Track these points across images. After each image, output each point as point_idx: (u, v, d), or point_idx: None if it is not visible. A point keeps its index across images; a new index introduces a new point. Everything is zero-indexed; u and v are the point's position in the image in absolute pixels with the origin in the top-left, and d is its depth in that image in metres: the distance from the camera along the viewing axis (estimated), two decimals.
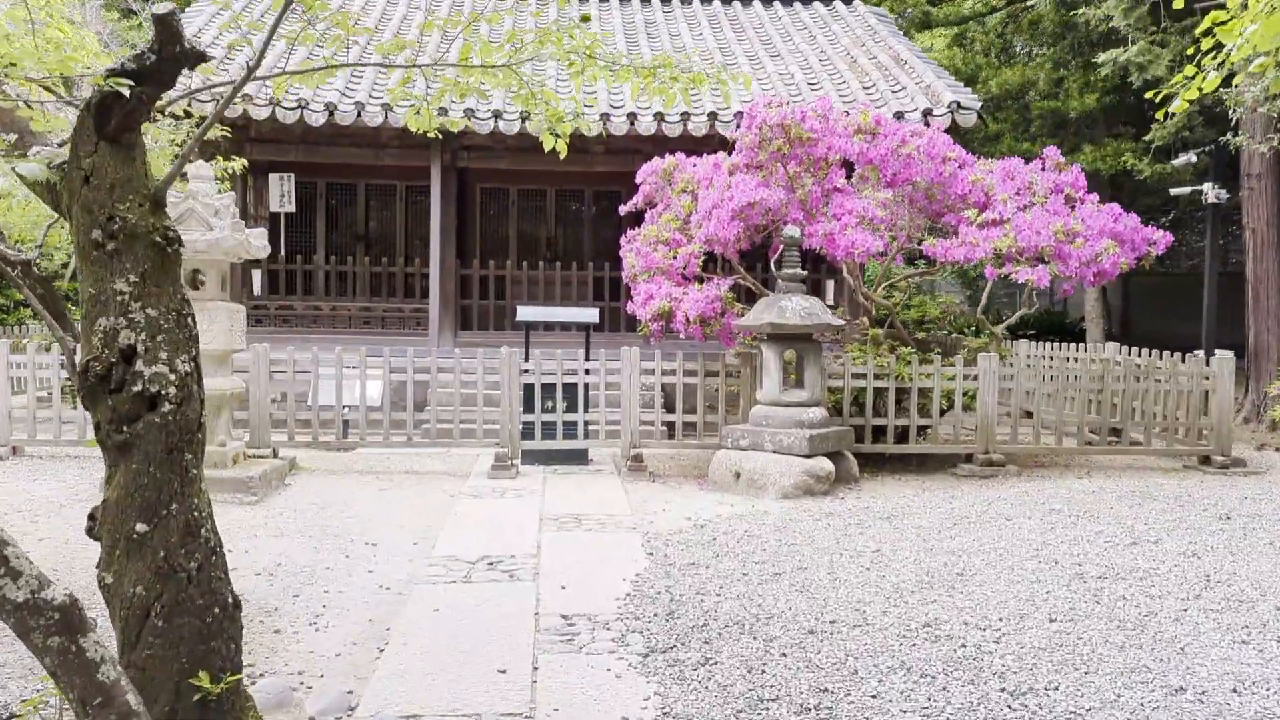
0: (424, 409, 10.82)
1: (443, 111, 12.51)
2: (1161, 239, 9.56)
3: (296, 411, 10.07)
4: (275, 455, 9.37)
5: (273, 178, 14.12)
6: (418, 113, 4.55)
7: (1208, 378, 10.13)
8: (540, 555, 6.40)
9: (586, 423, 9.92)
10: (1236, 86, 13.76)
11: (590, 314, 12.48)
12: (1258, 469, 10.06)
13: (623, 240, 10.96)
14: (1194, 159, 13.24)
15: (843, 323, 9.41)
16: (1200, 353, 13.12)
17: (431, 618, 5.05)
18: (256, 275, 14.46)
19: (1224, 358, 10.22)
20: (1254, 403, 14.06)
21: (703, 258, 9.97)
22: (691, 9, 17.97)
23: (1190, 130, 14.66)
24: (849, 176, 10.15)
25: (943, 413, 10.15)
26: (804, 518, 7.56)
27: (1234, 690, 4.12)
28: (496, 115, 12.71)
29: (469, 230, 15.36)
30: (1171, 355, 11.52)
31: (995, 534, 6.95)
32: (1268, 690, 4.12)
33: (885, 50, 15.48)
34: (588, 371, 9.97)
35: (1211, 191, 12.70)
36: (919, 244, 10.35)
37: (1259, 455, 11.20)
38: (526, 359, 11.96)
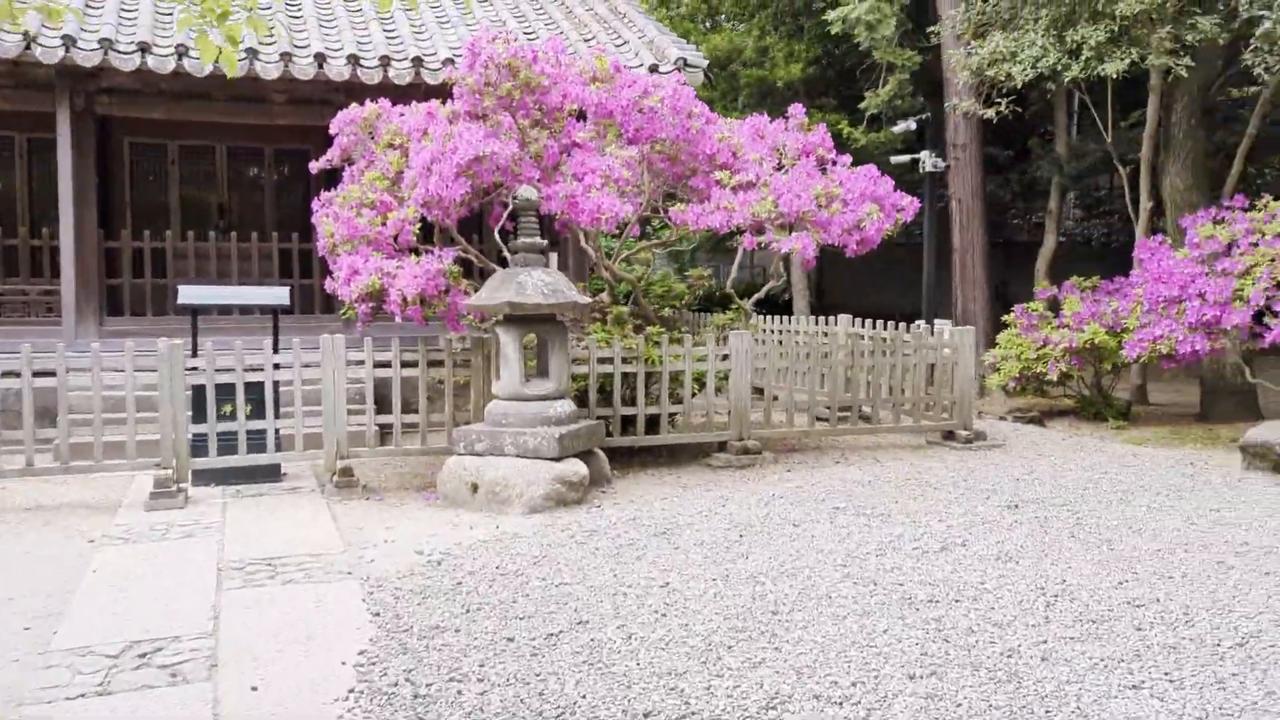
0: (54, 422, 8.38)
1: (69, 42, 9.93)
2: (910, 205, 9.01)
3: None
4: None
5: None
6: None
7: (952, 350, 9.79)
8: (219, 632, 4.61)
9: (278, 431, 8.01)
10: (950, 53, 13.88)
11: (278, 294, 10.41)
12: (996, 440, 9.87)
13: (315, 204, 9.05)
14: (913, 125, 13.16)
15: (589, 300, 8.11)
16: (921, 323, 13.09)
17: None
18: None
19: (964, 330, 9.94)
20: None
21: (419, 225, 8.29)
22: None
23: (901, 99, 14.66)
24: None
25: (692, 396, 9.15)
26: (564, 540, 6.20)
27: None
28: (143, 49, 10.24)
29: (116, 193, 12.61)
30: (886, 326, 11.25)
31: (790, 547, 5.92)
32: None
33: (603, 1, 14.31)
34: (278, 366, 8.04)
35: (929, 160, 12.64)
36: (664, 210, 9.26)
37: (987, 425, 11.15)
38: (195, 352, 9.73)
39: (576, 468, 7.39)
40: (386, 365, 8.15)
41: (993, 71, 10.41)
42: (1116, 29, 9.77)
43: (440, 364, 8.34)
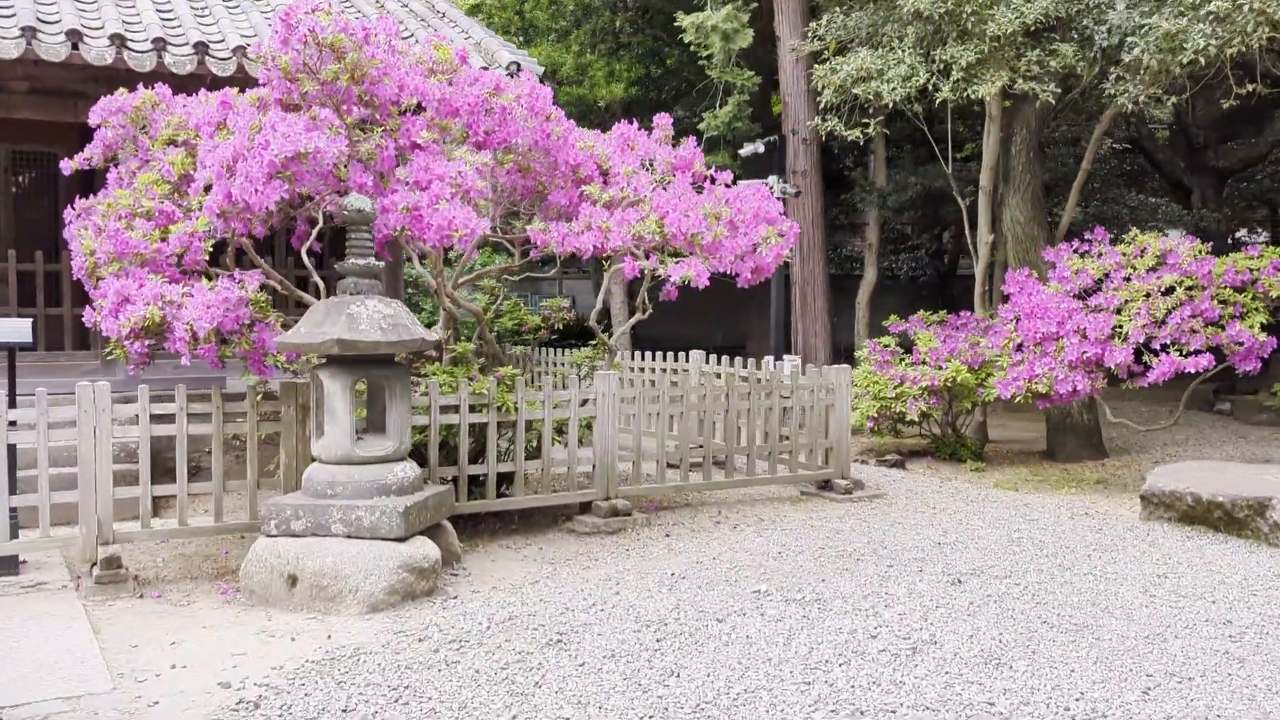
0: None
1: None
2: (790, 230, 8.01)
3: None
4: None
5: None
6: None
7: (828, 390, 8.88)
8: None
9: (14, 509, 6.03)
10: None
11: (17, 329, 8.22)
12: (874, 489, 9.02)
13: (69, 214, 7.12)
14: (760, 148, 12.38)
15: (439, 337, 6.60)
16: (770, 359, 12.25)
17: None
18: None
19: (840, 369, 9.05)
20: None
21: (213, 240, 6.54)
22: None
23: (740, 121, 13.89)
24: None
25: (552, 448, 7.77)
26: (427, 658, 4.68)
27: None
28: None
29: None
30: (721, 361, 10.35)
31: (727, 657, 4.66)
32: None
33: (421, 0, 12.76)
34: (14, 424, 6.06)
35: (778, 186, 11.88)
36: (502, 230, 7.89)
37: (855, 470, 10.35)
38: None
39: (426, 550, 5.86)
40: (168, 419, 6.31)
41: (859, 90, 9.69)
42: (986, 50, 9.24)
43: (241, 417, 6.57)
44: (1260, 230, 21.33)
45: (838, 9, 10.33)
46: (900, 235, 21.99)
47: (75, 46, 8.80)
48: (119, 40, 8.93)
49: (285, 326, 6.70)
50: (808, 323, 13.42)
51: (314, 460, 6.18)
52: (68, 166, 7.32)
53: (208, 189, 6.50)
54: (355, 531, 5.76)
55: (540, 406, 7.48)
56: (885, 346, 11.54)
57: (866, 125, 10.33)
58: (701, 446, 8.37)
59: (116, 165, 7.49)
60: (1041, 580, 5.92)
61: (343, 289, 6.22)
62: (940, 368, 10.77)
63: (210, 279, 6.60)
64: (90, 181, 8.28)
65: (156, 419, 6.29)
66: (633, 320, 8.19)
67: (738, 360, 10.37)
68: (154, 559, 6.70)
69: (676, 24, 15.00)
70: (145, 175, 6.81)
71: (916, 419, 10.70)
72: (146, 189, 6.73)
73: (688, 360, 10.93)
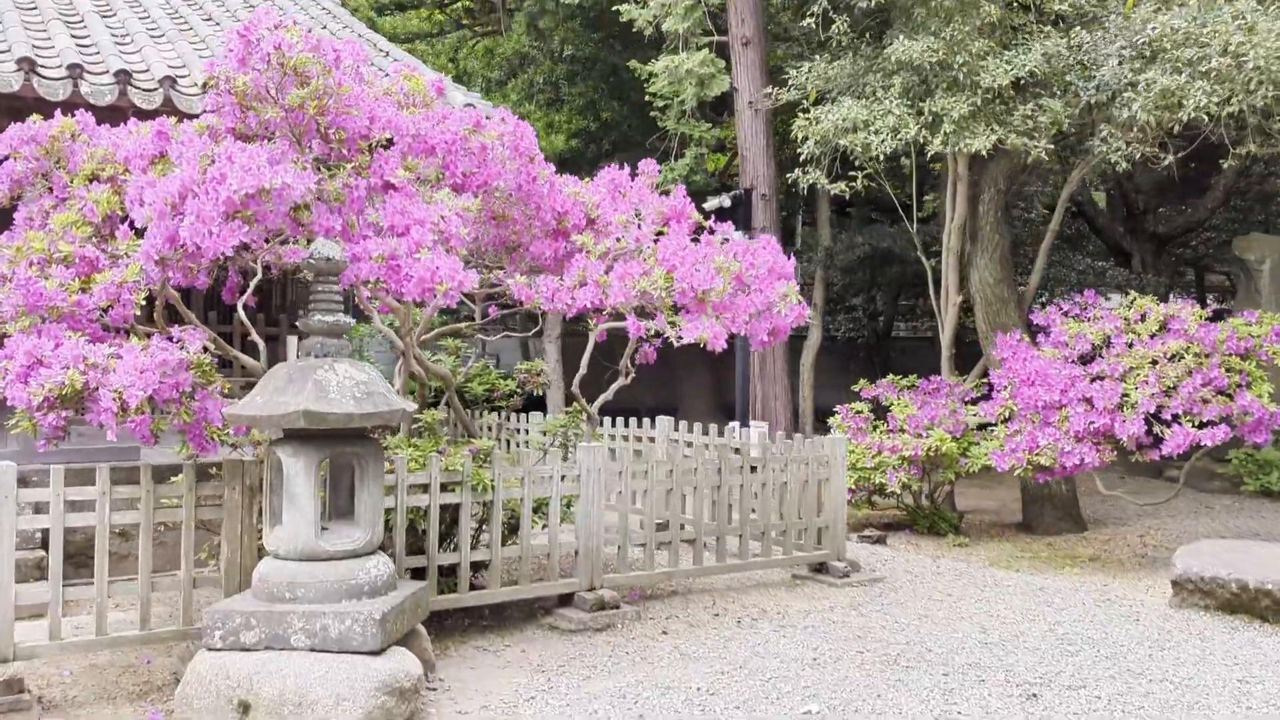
0: None
1: None
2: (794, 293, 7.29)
3: None
4: None
5: None
6: None
7: (824, 464, 8.15)
8: None
9: None
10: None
11: None
12: (873, 572, 8.28)
13: None
14: (727, 202, 11.78)
15: (415, 407, 5.66)
16: (736, 425, 11.54)
17: None
18: None
19: (836, 439, 8.35)
20: None
21: (145, 292, 5.52)
22: None
23: (697, 174, 13.28)
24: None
25: (515, 530, 6.84)
26: None
27: None
28: None
29: None
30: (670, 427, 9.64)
31: None
32: None
33: (355, 35, 11.89)
34: None
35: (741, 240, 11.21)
36: (481, 281, 7.03)
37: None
38: None
39: (407, 665, 4.88)
40: (88, 506, 5.22)
41: (846, 141, 9.13)
42: (979, 102, 8.79)
43: (175, 503, 5.50)
44: (1188, 294, 21.65)
45: (818, 58, 9.81)
46: (839, 296, 21.68)
47: None
48: (27, 65, 7.86)
49: (226, 394, 5.69)
50: (767, 385, 12.76)
51: (266, 554, 5.16)
52: None
53: (140, 233, 5.52)
54: (321, 644, 4.76)
55: (519, 484, 6.57)
56: (858, 413, 10.93)
57: (854, 179, 9.77)
58: (689, 527, 7.53)
59: (21, 203, 6.45)
60: (1120, 691, 5.21)
61: (305, 350, 5.27)
62: (919, 435, 10.19)
63: (137, 337, 5.58)
64: None
65: (72, 506, 5.19)
66: (616, 386, 7.35)
67: (697, 426, 9.61)
68: (59, 672, 5.54)
69: (623, 74, 14.42)
70: (63, 215, 5.77)
71: (897, 490, 10.07)
72: (65, 231, 5.69)
73: (653, 426, 10.12)
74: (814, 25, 9.51)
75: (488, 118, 6.47)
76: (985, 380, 11.08)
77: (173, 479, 5.65)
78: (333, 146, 5.82)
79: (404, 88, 6.39)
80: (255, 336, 6.61)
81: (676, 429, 9.97)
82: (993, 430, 9.27)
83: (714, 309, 6.02)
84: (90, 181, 6.04)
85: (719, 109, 14.29)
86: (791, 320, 6.31)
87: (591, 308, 6.06)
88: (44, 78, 7.94)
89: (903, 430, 10.38)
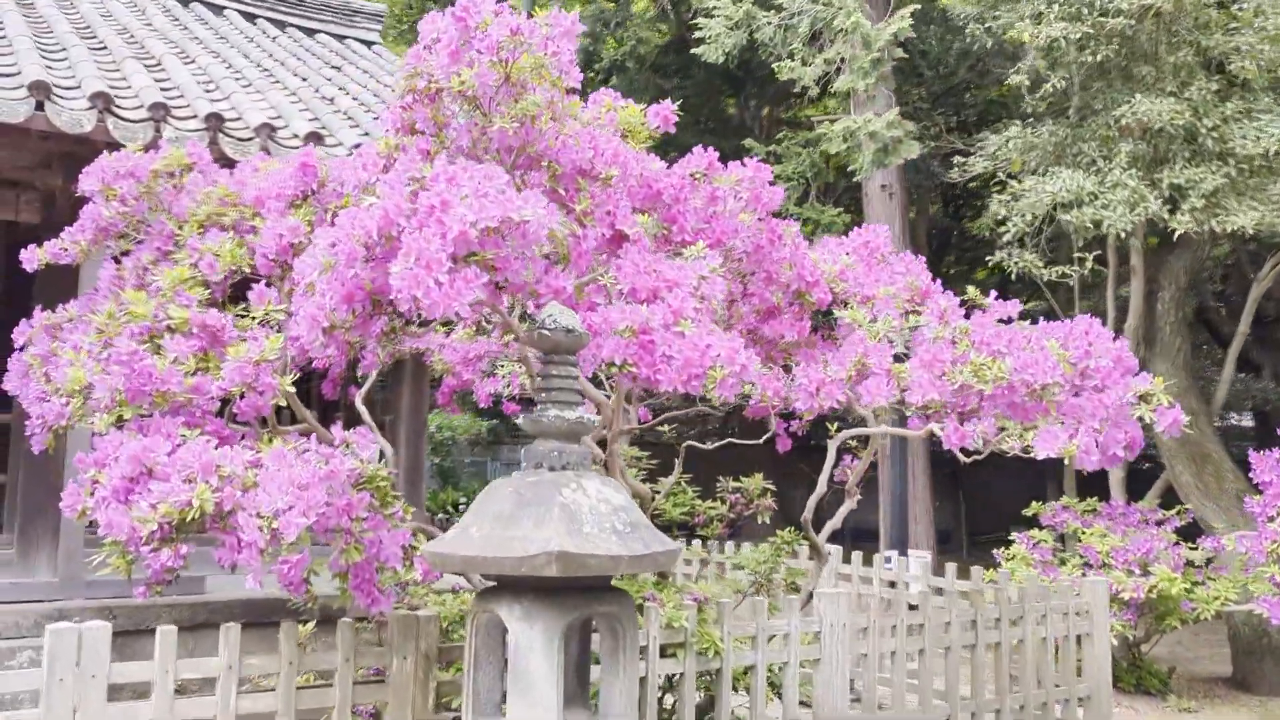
0: None
1: None
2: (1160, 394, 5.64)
3: None
4: None
5: None
6: None
7: (1083, 613, 6.43)
8: None
9: None
10: None
11: None
12: None
13: (19, 333, 4.54)
14: None
15: (680, 545, 3.98)
16: (892, 553, 9.87)
17: None
18: None
19: (1096, 581, 6.66)
20: None
21: (294, 375, 3.93)
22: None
23: None
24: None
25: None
26: None
27: None
28: None
29: None
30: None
31: None
32: None
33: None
34: None
35: None
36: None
37: None
38: None
39: None
40: (205, 685, 3.52)
41: (1069, 217, 7.67)
42: (1233, 174, 7.38)
43: (325, 679, 3.80)
44: None
45: (1018, 123, 8.44)
46: None
47: (39, 107, 6.26)
48: (103, 101, 6.42)
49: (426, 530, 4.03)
50: (912, 506, 11.08)
51: None
52: (32, 259, 4.68)
53: (288, 293, 3.96)
54: None
55: (750, 644, 4.86)
56: (1040, 544, 9.24)
57: (1084, 260, 8.30)
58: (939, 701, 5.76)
59: (116, 260, 4.89)
60: None
61: (534, 458, 3.63)
62: (1130, 573, 8.51)
63: (279, 438, 3.96)
64: (51, 282, 5.65)
65: (178, 690, 3.49)
66: (844, 510, 5.66)
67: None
68: None
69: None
70: (175, 271, 4.20)
71: (1114, 641, 8.33)
72: (177, 291, 4.11)
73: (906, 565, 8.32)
74: (1022, 87, 8.16)
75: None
76: (1158, 501, 9.77)
77: (299, 639, 3.95)
78: (547, 182, 4.30)
79: (612, 118, 4.90)
80: (384, 443, 4.99)
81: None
82: (1261, 570, 7.57)
83: (1060, 411, 4.41)
84: (204, 228, 4.51)
85: (832, 192, 12.95)
86: (1166, 427, 4.63)
87: (872, 400, 4.44)
88: (121, 118, 6.49)
89: (1105, 565, 8.70)
